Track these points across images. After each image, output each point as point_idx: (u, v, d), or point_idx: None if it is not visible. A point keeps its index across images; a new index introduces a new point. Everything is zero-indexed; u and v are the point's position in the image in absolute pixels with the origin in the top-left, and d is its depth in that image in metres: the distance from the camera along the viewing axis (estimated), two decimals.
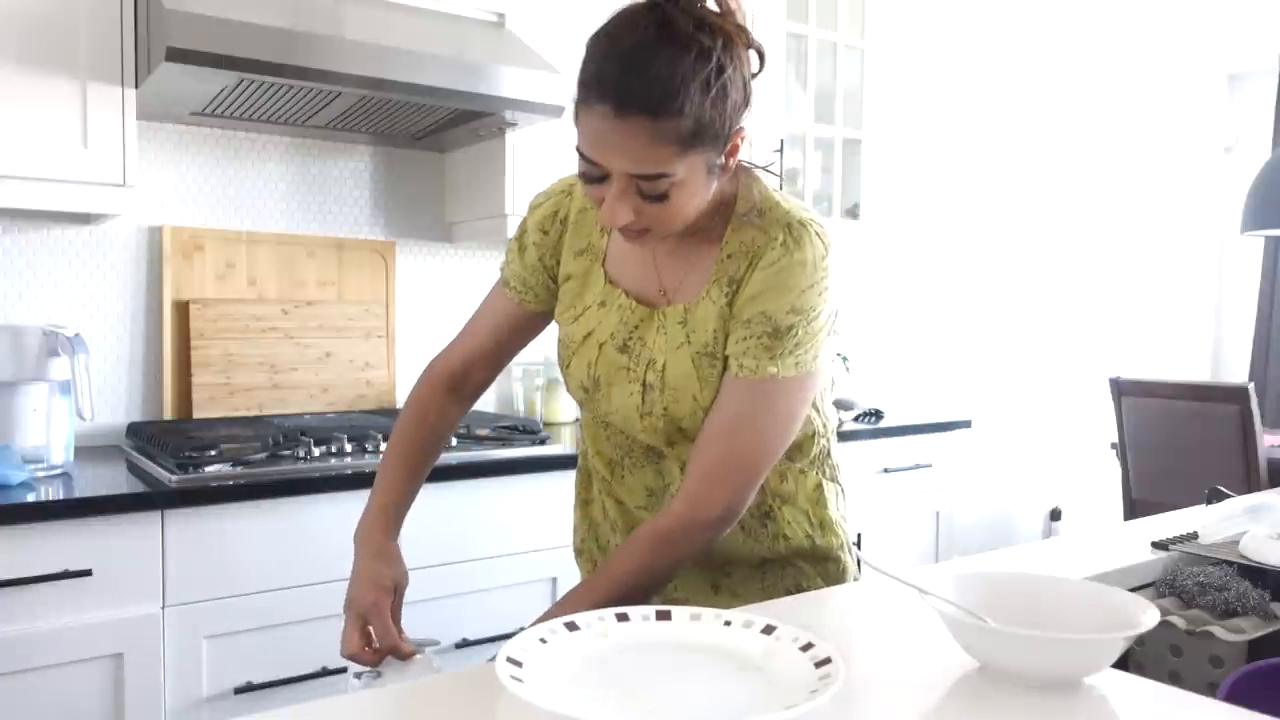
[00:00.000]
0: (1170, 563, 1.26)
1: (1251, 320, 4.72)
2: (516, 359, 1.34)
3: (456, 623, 1.92)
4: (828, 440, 1.24)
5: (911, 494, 2.80)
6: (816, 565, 1.22)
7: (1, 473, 1.61)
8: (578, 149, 1.00)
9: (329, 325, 2.37)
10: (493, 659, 0.76)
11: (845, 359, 3.05)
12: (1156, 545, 1.30)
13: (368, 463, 1.85)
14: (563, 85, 2.06)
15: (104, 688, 1.59)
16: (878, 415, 2.85)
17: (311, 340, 2.34)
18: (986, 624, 0.85)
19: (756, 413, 1.07)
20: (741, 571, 1.20)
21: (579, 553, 1.33)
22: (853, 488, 1.30)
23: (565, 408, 2.63)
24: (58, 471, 1.78)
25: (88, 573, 1.56)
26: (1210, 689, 1.03)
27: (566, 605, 1.02)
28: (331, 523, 1.76)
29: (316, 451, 1.84)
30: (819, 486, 1.22)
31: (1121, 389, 3.40)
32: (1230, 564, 1.20)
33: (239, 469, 1.75)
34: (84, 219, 2.09)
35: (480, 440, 2.06)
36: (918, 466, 2.79)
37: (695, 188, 1.00)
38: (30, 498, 1.58)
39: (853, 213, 3.07)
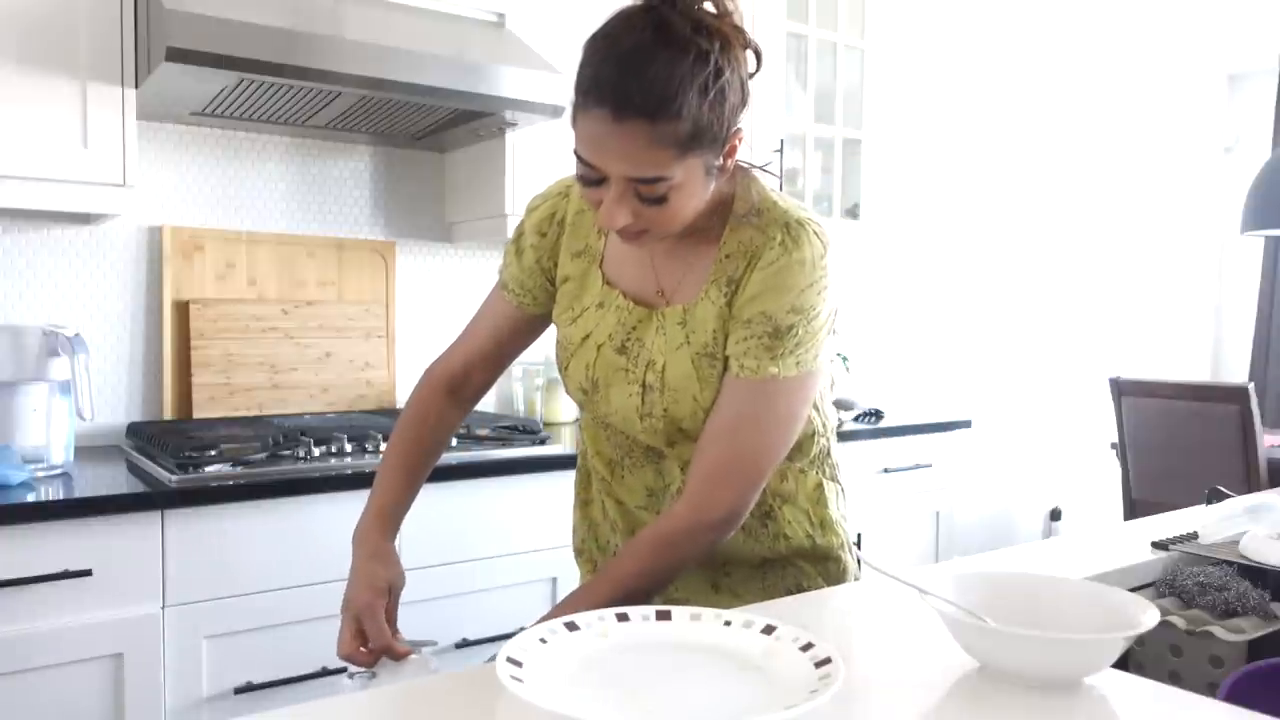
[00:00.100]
0: (1170, 563, 1.26)
1: (1251, 320, 4.72)
2: (517, 359, 1.34)
3: (456, 623, 1.92)
4: (828, 440, 1.24)
5: (911, 494, 2.81)
6: (817, 565, 1.22)
7: (1, 473, 1.61)
8: (575, 152, 1.00)
9: (329, 325, 2.37)
10: (492, 659, 0.77)
11: (845, 359, 3.05)
12: (1156, 545, 1.30)
13: (368, 463, 1.85)
14: (563, 85, 2.06)
15: (104, 688, 1.59)
16: (878, 415, 2.85)
17: (311, 340, 2.34)
18: (986, 624, 0.85)
19: (758, 413, 1.07)
20: (742, 571, 1.20)
21: (579, 553, 1.33)
22: (853, 488, 1.30)
23: (565, 408, 2.63)
24: (58, 471, 1.78)
25: (88, 573, 1.56)
26: (1210, 689, 1.03)
27: (568, 607, 1.02)
28: (331, 523, 1.76)
29: (316, 451, 1.84)
30: (819, 486, 1.22)
31: (1121, 389, 3.40)
32: (1230, 564, 1.20)
33: (239, 469, 1.75)
34: (84, 219, 2.09)
35: (480, 440, 2.06)
36: (918, 466, 2.79)
37: (693, 190, 1.00)
38: (30, 498, 1.58)
39: (853, 213, 3.07)
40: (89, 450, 2.03)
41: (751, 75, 1.01)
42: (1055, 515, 4.21)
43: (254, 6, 1.78)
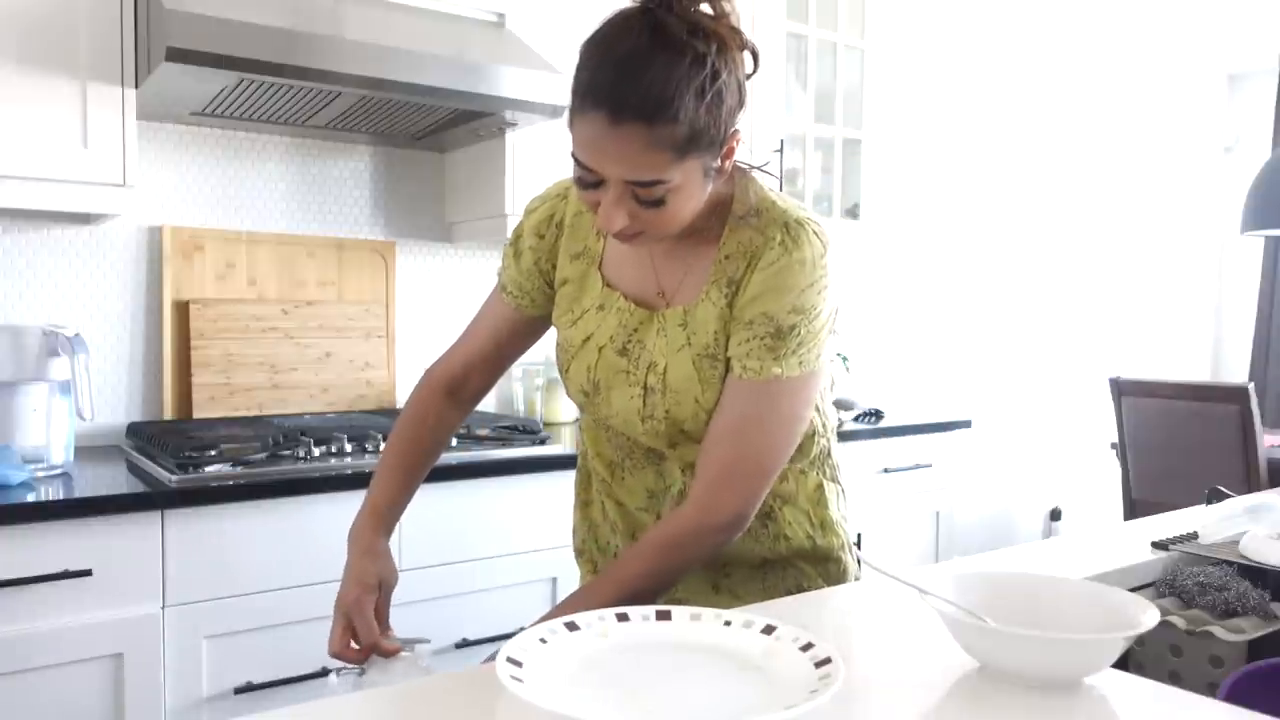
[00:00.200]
0: (1170, 563, 1.26)
1: (1251, 320, 4.72)
2: (517, 360, 1.34)
3: (456, 623, 1.92)
4: (828, 440, 1.24)
5: (911, 494, 2.80)
6: (817, 566, 1.22)
7: (1, 473, 1.61)
8: (572, 155, 1.00)
9: (329, 325, 2.37)
10: (491, 658, 0.76)
11: (845, 359, 3.05)
12: (1156, 545, 1.30)
13: (368, 463, 1.85)
14: (562, 85, 2.05)
15: (104, 688, 1.59)
16: (878, 415, 2.85)
17: (311, 340, 2.34)
18: (986, 624, 0.85)
19: (761, 414, 1.07)
20: (742, 572, 1.20)
21: (579, 553, 1.33)
22: (853, 488, 1.30)
23: (565, 408, 2.63)
24: (58, 471, 1.78)
25: (88, 573, 1.56)
26: (1210, 689, 1.03)
27: (571, 606, 1.02)
28: (331, 523, 1.76)
29: (316, 451, 1.84)
30: (820, 487, 1.22)
31: (1121, 389, 3.40)
32: (1230, 564, 1.20)
33: (239, 469, 1.75)
34: (84, 219, 2.09)
35: (480, 440, 2.06)
36: (918, 466, 2.79)
37: (691, 192, 1.00)
38: (30, 498, 1.58)
39: (853, 213, 3.07)
40: (89, 450, 2.03)
41: (749, 76, 1.01)
42: (1055, 515, 4.21)
43: (254, 6, 1.78)
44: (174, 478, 1.68)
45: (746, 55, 1.01)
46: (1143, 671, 1.10)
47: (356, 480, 1.78)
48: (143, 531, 1.61)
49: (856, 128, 3.04)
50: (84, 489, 1.66)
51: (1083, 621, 0.86)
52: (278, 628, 1.73)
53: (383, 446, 1.88)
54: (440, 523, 1.89)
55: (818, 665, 0.76)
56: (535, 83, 2.03)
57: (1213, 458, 3.10)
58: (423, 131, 2.29)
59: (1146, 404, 3.32)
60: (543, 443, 2.11)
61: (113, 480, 1.74)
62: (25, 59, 1.74)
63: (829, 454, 1.24)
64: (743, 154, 1.07)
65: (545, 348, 1.93)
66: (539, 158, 2.30)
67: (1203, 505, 1.45)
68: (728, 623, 0.86)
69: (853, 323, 3.42)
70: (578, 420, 2.29)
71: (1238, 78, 4.83)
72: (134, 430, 2.08)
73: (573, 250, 1.19)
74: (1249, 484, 3.01)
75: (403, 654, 1.09)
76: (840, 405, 2.83)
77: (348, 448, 1.87)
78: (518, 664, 0.76)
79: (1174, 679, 1.08)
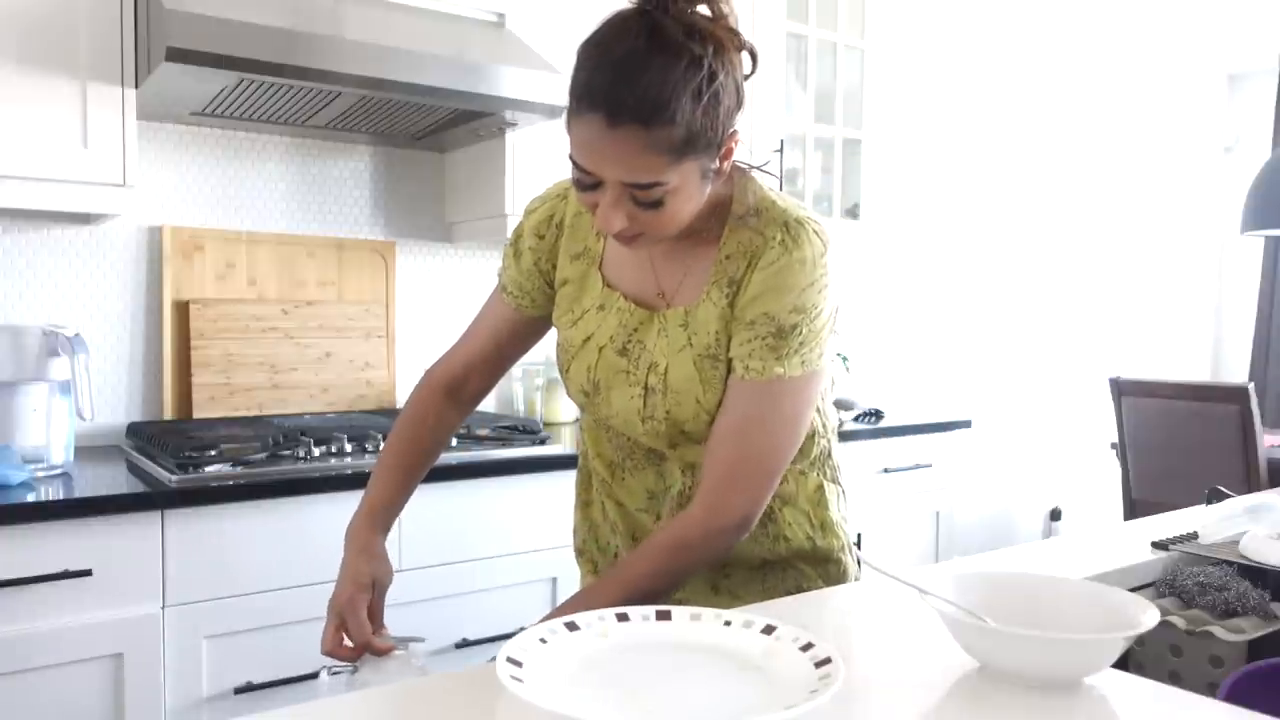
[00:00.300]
0: (1170, 563, 1.26)
1: (1251, 320, 4.72)
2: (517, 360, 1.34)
3: (456, 623, 1.92)
4: (828, 441, 1.24)
5: (911, 494, 2.80)
6: (817, 567, 1.22)
7: (1, 473, 1.61)
8: (570, 157, 1.00)
9: (329, 325, 2.37)
10: (493, 659, 0.76)
11: (845, 359, 3.05)
12: (1156, 545, 1.30)
13: (368, 463, 1.85)
14: (562, 85, 2.05)
15: (104, 688, 1.59)
16: (878, 415, 2.85)
17: (311, 340, 2.34)
18: (986, 624, 0.85)
19: (765, 415, 1.07)
20: (742, 573, 1.20)
21: (579, 553, 1.33)
22: (853, 488, 1.30)
23: (565, 408, 2.63)
24: (58, 471, 1.78)
25: (88, 573, 1.56)
26: (1210, 689, 1.03)
27: (576, 605, 1.02)
28: (331, 523, 1.76)
29: (316, 451, 1.84)
30: (820, 488, 1.21)
31: (1121, 389, 3.40)
32: (1230, 564, 1.20)
33: (239, 469, 1.75)
34: (84, 219, 2.09)
35: (480, 440, 2.06)
36: (918, 466, 2.79)
37: (689, 193, 1.00)
38: (30, 498, 1.58)
39: (853, 213, 3.07)
40: (89, 450, 2.03)
41: (747, 77, 1.01)
42: (1055, 515, 4.21)
43: (254, 6, 1.78)
44: (174, 478, 1.68)
45: (745, 56, 1.01)
46: (1143, 671, 1.10)
47: (356, 480, 1.78)
48: (143, 531, 1.61)
49: (856, 128, 3.04)
50: (84, 489, 1.66)
51: (1083, 621, 0.86)
52: (277, 628, 1.73)
53: (382, 446, 1.88)
54: (440, 523, 1.89)
55: (818, 665, 0.76)
56: (535, 83, 2.03)
57: (1213, 458, 3.10)
58: (423, 131, 2.29)
59: (1146, 404, 3.32)
60: (543, 443, 2.11)
61: (113, 480, 1.74)
62: (25, 59, 1.74)
63: (829, 455, 1.24)
64: (742, 154, 1.07)
65: (545, 348, 1.93)
66: (539, 158, 2.30)
67: (1203, 505, 1.45)
68: (728, 623, 0.86)
69: (853, 323, 3.42)
70: (578, 420, 2.29)
71: (1238, 78, 4.83)
72: (134, 430, 2.08)
73: (573, 250, 1.19)
74: (1249, 484, 3.01)
75: (396, 653, 1.09)
76: (840, 405, 2.83)
77: (348, 448, 1.87)
78: (518, 664, 0.76)
79: (1174, 679, 1.08)
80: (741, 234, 1.09)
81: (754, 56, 1.02)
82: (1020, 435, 4.06)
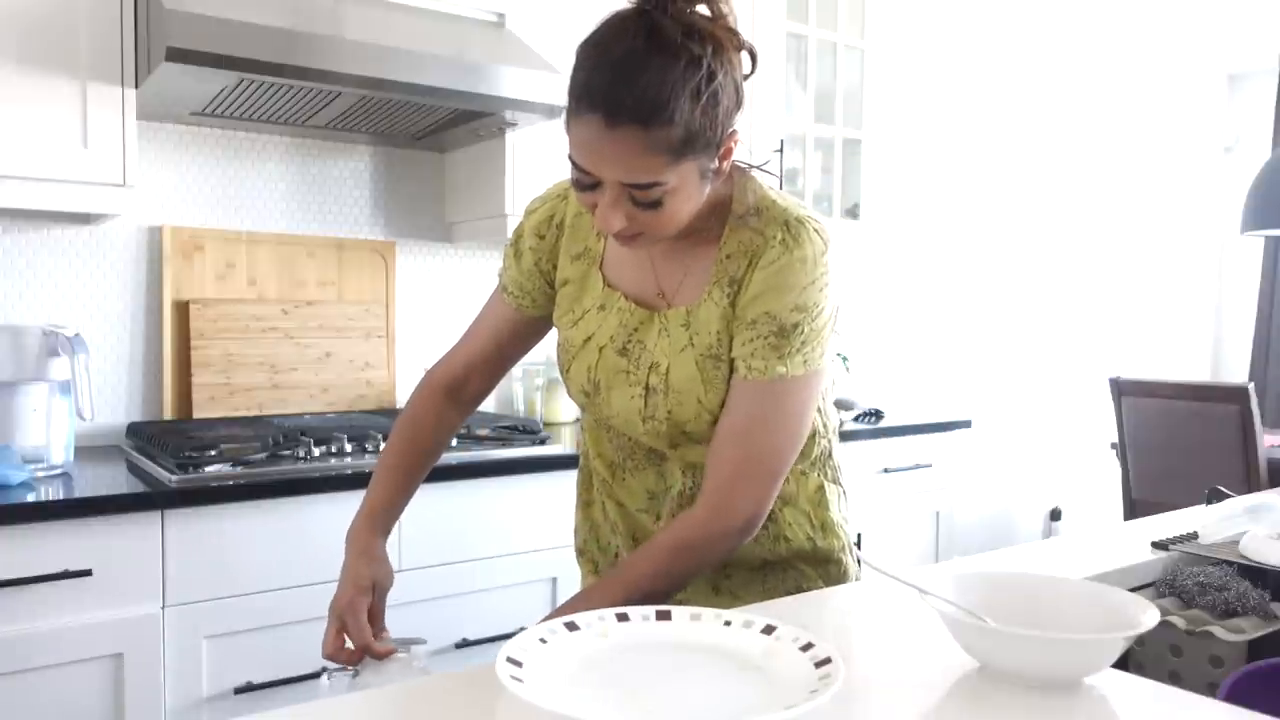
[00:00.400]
0: (1170, 563, 1.26)
1: (1251, 320, 4.72)
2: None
3: (456, 623, 1.92)
4: (829, 441, 1.24)
5: (911, 494, 2.80)
6: (817, 568, 1.22)
7: (1, 473, 1.61)
8: (569, 157, 1.00)
9: (329, 325, 2.37)
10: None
11: (845, 359, 3.05)
12: (1156, 545, 1.30)
13: (368, 463, 1.85)
14: (562, 85, 2.05)
15: (104, 688, 1.59)
16: (878, 415, 2.85)
17: (311, 340, 2.34)
18: (986, 624, 0.85)
19: (767, 414, 1.07)
20: (742, 574, 1.20)
21: (580, 553, 1.33)
22: (853, 488, 1.30)
23: (565, 408, 2.63)
24: (58, 471, 1.78)
25: (88, 573, 1.56)
26: (1210, 689, 1.03)
27: (579, 604, 1.02)
28: (331, 523, 1.76)
29: (316, 451, 1.84)
30: (821, 488, 1.21)
31: (1121, 389, 3.40)
32: (1230, 564, 1.20)
33: (239, 469, 1.75)
34: (84, 219, 2.09)
35: (480, 440, 2.06)
36: (918, 466, 2.79)
37: (689, 193, 1.00)
38: (30, 498, 1.58)
39: (853, 213, 3.07)
40: (89, 450, 2.03)
41: (747, 77, 1.01)
42: (1055, 515, 4.21)
43: (254, 6, 1.78)
44: (174, 478, 1.68)
45: (744, 56, 1.01)
46: (1143, 671, 1.10)
47: (356, 480, 1.78)
48: (143, 531, 1.61)
49: (856, 128, 3.04)
50: (84, 489, 1.66)
51: (1083, 621, 0.86)
52: (278, 628, 1.73)
53: (383, 447, 1.88)
54: (440, 523, 1.89)
55: (818, 665, 0.76)
56: (535, 83, 2.03)
57: (1213, 458, 3.10)
58: (423, 131, 2.29)
59: (1146, 404, 3.32)
60: (543, 443, 2.11)
61: (113, 480, 1.74)
62: (25, 59, 1.74)
63: (830, 455, 1.24)
64: (742, 154, 1.07)
65: (546, 348, 1.93)
66: (539, 158, 2.30)
67: (1203, 505, 1.45)
68: (728, 623, 0.86)
69: (853, 323, 3.42)
70: (578, 420, 2.29)
71: (1238, 78, 4.83)
72: (134, 430, 2.08)
73: (573, 251, 1.19)
74: (1249, 484, 3.01)
75: (398, 655, 1.09)
76: (840, 405, 2.83)
77: (348, 448, 1.87)
78: (518, 664, 0.76)
79: (1174, 679, 1.08)
80: (742, 233, 1.09)
81: (753, 56, 1.02)
82: (1020, 435, 4.06)
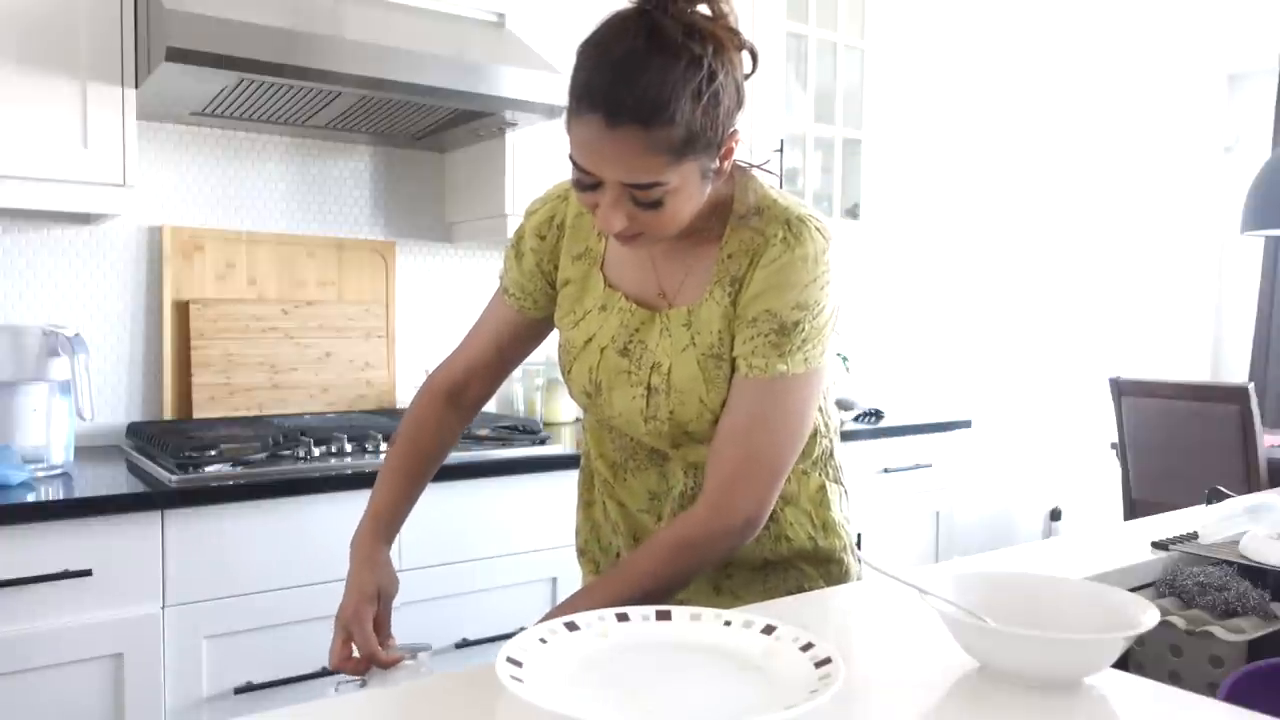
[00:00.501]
0: (1170, 563, 1.26)
1: (1251, 320, 4.72)
2: None
3: (456, 623, 1.92)
4: (830, 441, 1.24)
5: (911, 494, 2.80)
6: (819, 567, 1.22)
7: (1, 473, 1.61)
8: (570, 157, 1.00)
9: (329, 325, 2.37)
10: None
11: (845, 359, 3.05)
12: (1156, 545, 1.30)
13: (368, 463, 1.85)
14: (562, 85, 2.05)
15: (104, 688, 1.59)
16: (878, 415, 2.85)
17: (311, 340, 2.34)
18: (986, 624, 0.85)
19: (768, 413, 1.07)
20: (743, 574, 1.20)
21: (581, 553, 1.33)
22: (853, 488, 1.30)
23: (566, 407, 2.63)
24: (58, 471, 1.78)
25: (88, 573, 1.56)
26: (1210, 689, 1.03)
27: (580, 603, 1.01)
28: (331, 523, 1.76)
29: (316, 451, 1.84)
30: (822, 488, 1.21)
31: (1121, 389, 3.40)
32: (1230, 564, 1.20)
33: (239, 469, 1.75)
34: (84, 219, 2.09)
35: (480, 440, 2.06)
36: (918, 466, 2.79)
37: (690, 193, 1.00)
38: (30, 498, 1.58)
39: (853, 213, 3.07)
40: (89, 450, 2.03)
41: (747, 77, 1.01)
42: (1055, 515, 4.21)
43: (254, 6, 1.78)
44: (174, 478, 1.68)
45: (745, 55, 1.00)
46: (1143, 671, 1.10)
47: (356, 480, 1.78)
48: (143, 531, 1.61)
49: (856, 128, 3.04)
50: (84, 489, 1.66)
51: (1083, 621, 0.86)
52: (278, 628, 1.73)
53: (383, 447, 1.89)
54: (440, 523, 1.89)
55: (818, 665, 0.76)
56: (535, 83, 2.03)
57: (1213, 458, 3.10)
58: (423, 131, 2.29)
59: (1146, 404, 3.32)
60: (543, 443, 2.11)
61: (113, 480, 1.74)
62: (25, 59, 1.74)
63: (831, 454, 1.24)
64: (742, 154, 1.07)
65: (546, 348, 1.93)
66: (539, 158, 2.30)
67: (1203, 505, 1.45)
68: (728, 623, 0.86)
69: (853, 323, 3.42)
70: (579, 420, 2.28)
71: (1238, 78, 4.83)
72: (134, 430, 2.08)
73: (574, 251, 1.19)
74: (1249, 484, 3.01)
75: (405, 662, 1.09)
76: (840, 405, 2.83)
77: (348, 448, 1.87)
78: (518, 664, 0.76)
79: (1174, 679, 1.08)
80: (743, 233, 1.09)
81: (754, 56, 1.02)
82: (1020, 435, 4.06)
